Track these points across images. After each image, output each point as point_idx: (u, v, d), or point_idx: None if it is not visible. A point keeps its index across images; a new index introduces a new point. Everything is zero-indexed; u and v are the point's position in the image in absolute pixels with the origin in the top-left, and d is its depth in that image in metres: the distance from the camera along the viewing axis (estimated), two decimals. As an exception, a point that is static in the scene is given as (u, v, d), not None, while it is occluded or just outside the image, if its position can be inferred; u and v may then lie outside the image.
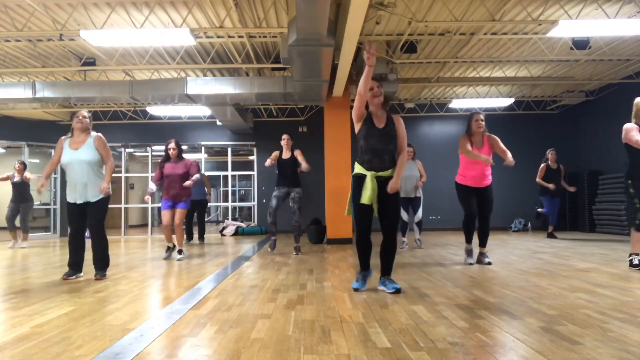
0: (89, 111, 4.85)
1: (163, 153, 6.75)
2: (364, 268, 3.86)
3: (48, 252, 7.75)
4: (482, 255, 5.32)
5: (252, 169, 12.79)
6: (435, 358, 2.09)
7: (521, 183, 11.46)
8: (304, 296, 3.57)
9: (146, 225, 13.47)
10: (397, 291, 3.65)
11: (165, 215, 6.38)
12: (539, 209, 9.39)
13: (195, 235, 9.56)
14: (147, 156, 12.90)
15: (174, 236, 6.45)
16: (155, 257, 6.63)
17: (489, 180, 5.33)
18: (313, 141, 10.57)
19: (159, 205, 15.32)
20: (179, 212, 6.36)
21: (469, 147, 5.22)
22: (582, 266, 4.94)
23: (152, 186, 6.62)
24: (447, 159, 9.92)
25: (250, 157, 13.85)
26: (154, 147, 12.78)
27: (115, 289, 4.01)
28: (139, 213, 16.67)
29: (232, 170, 12.90)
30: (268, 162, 6.72)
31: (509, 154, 5.20)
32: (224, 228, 11.77)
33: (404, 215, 7.29)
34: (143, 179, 15.41)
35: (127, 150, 12.69)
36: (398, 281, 4.17)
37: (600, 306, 3.04)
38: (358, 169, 3.76)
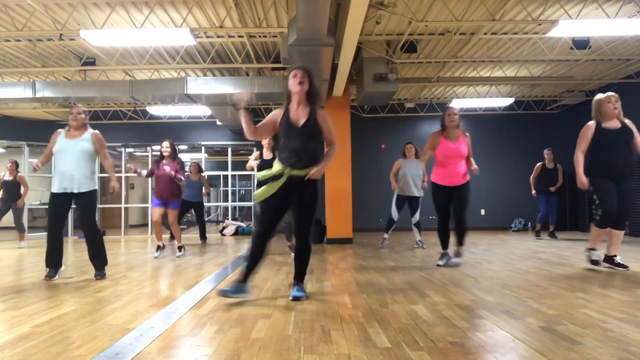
0: (85, 110, 4.81)
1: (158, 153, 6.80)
2: (248, 276, 3.44)
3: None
4: (457, 254, 5.17)
5: (252, 169, 12.78)
6: (436, 358, 2.09)
7: (521, 183, 11.43)
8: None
9: (146, 225, 13.46)
10: (296, 298, 3.39)
11: (156, 212, 6.46)
12: (537, 229, 9.29)
13: (196, 235, 9.55)
14: (147, 156, 12.90)
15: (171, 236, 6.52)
16: (156, 257, 6.63)
17: (465, 178, 5.10)
18: (313, 141, 10.54)
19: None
20: (171, 213, 6.46)
21: (427, 147, 5.18)
22: (582, 266, 4.94)
23: (143, 172, 6.61)
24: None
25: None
26: (154, 147, 12.76)
27: (115, 289, 4.01)
28: (139, 213, 16.66)
29: (232, 170, 12.90)
30: (252, 164, 6.55)
31: (473, 162, 5.15)
32: (224, 228, 11.77)
33: (393, 213, 7.27)
34: (143, 179, 15.37)
35: (127, 150, 12.68)
36: (398, 281, 4.17)
37: (600, 306, 3.04)
38: (275, 164, 3.53)
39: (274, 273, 4.81)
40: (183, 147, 13.15)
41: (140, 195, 16.43)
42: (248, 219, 14.14)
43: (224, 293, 3.36)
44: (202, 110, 11.17)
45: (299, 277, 3.58)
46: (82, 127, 4.75)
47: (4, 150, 15.22)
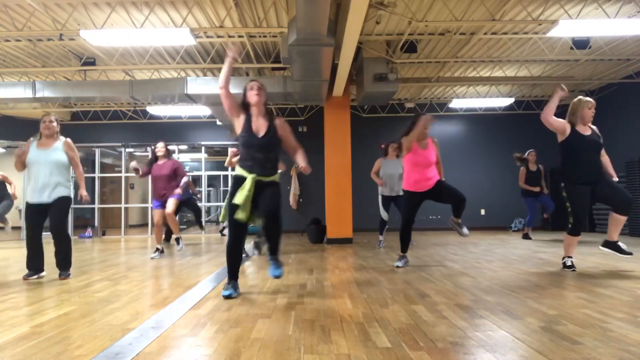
0: (57, 119, 4.77)
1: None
2: (233, 278, 3.68)
3: (47, 252, 7.73)
4: (458, 225, 5.17)
5: (233, 166, 12.78)
6: (436, 358, 2.09)
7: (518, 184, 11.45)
8: (304, 296, 3.57)
9: (146, 225, 13.47)
10: (277, 277, 3.62)
11: (157, 214, 6.47)
12: (545, 215, 9.35)
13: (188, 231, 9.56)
14: (147, 156, 12.89)
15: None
16: (155, 257, 6.63)
17: (434, 179, 5.09)
18: (313, 141, 10.56)
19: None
20: (170, 202, 6.41)
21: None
22: (583, 266, 4.94)
23: (143, 168, 6.57)
24: (447, 159, 9.91)
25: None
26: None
27: (115, 289, 4.01)
28: (139, 213, 16.67)
29: (232, 170, 12.89)
30: (235, 159, 6.35)
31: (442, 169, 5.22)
32: (224, 228, 11.74)
33: (382, 214, 7.24)
34: (143, 179, 15.39)
35: (127, 150, 12.68)
36: (398, 281, 4.17)
37: (600, 306, 3.04)
38: (239, 171, 3.64)
39: (274, 273, 4.80)
40: (183, 147, 13.15)
41: (140, 195, 16.43)
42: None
43: (228, 296, 3.55)
44: (202, 110, 11.17)
45: (275, 250, 3.69)
46: (54, 135, 4.70)
47: (4, 150, 15.21)
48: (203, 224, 9.45)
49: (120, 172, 12.53)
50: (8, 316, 3.03)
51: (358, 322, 2.75)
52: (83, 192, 4.69)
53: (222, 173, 13.25)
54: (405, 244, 5.24)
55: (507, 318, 2.77)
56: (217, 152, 14.97)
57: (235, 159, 6.43)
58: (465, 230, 5.16)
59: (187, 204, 9.03)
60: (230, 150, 6.55)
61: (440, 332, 2.50)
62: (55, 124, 4.70)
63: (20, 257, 7.03)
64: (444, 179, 5.16)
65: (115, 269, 5.30)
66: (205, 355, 2.19)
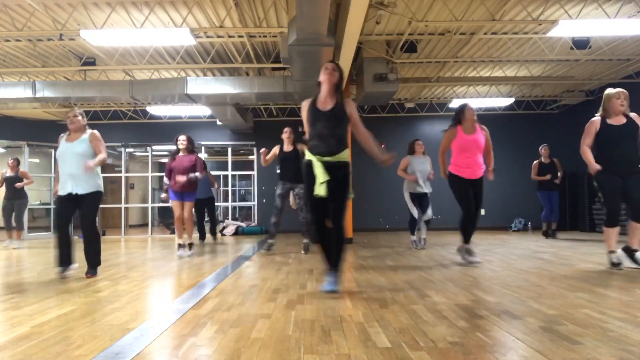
0: (81, 112, 4.81)
1: (167, 153, 6.82)
2: (333, 267, 3.62)
3: (48, 252, 7.74)
4: (469, 252, 5.19)
5: (252, 169, 12.79)
6: (436, 358, 2.09)
7: (521, 183, 11.46)
8: (304, 296, 3.57)
9: (146, 225, 13.47)
10: (331, 291, 3.50)
11: (177, 206, 6.48)
12: (544, 229, 9.30)
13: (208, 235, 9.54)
14: (147, 156, 12.90)
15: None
16: (156, 257, 6.63)
17: (482, 169, 5.19)
18: (313, 141, 10.54)
19: (159, 205, 15.28)
20: (187, 206, 6.48)
21: (444, 144, 5.32)
22: (582, 266, 4.94)
23: (166, 180, 6.67)
24: (447, 159, 9.93)
25: (250, 157, 13.85)
26: (154, 147, 12.77)
27: (115, 288, 4.01)
28: (139, 213, 16.67)
29: (232, 170, 12.90)
30: (268, 157, 6.53)
31: (492, 162, 5.31)
32: (224, 228, 11.76)
33: (413, 211, 7.12)
34: (143, 179, 15.42)
35: (127, 150, 12.68)
36: (398, 281, 4.17)
37: (600, 306, 3.04)
38: (308, 155, 3.63)
39: (274, 273, 4.81)
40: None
41: (140, 195, 16.44)
42: (248, 219, 14.14)
43: (332, 290, 3.52)
44: (202, 110, 11.17)
45: (334, 265, 3.58)
46: (81, 129, 4.77)
47: (4, 150, 15.21)
48: (217, 232, 9.42)
49: (120, 172, 12.53)
50: (8, 316, 3.03)
51: (358, 322, 2.75)
52: (89, 162, 4.55)
53: (222, 173, 13.23)
54: (469, 233, 5.17)
55: (507, 318, 2.77)
56: (217, 152, 14.97)
57: (269, 156, 6.51)
58: (474, 258, 5.18)
59: (207, 204, 9.03)
60: (261, 150, 6.60)
61: (440, 332, 2.50)
62: (79, 117, 4.76)
63: (20, 257, 7.04)
64: (493, 168, 5.22)
65: (116, 269, 5.30)
66: (205, 355, 2.19)
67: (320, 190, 3.46)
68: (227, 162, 12.76)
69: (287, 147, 6.59)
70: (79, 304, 3.38)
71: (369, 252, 6.77)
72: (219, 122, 11.77)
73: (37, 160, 13.92)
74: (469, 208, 5.12)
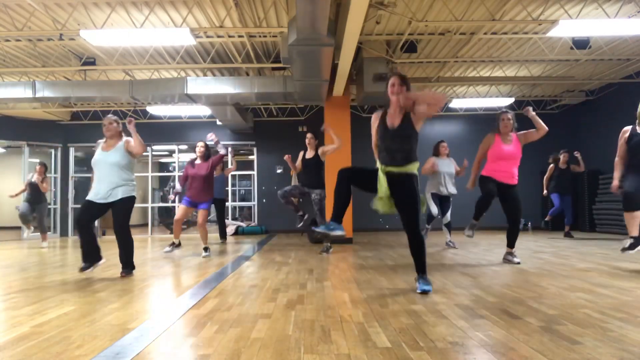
0: (116, 119, 4.84)
1: (167, 153, 6.87)
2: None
3: (49, 252, 7.75)
4: (510, 254, 5.28)
5: (252, 169, 12.78)
6: (436, 358, 2.09)
7: (521, 183, 11.41)
8: (304, 296, 3.57)
9: (146, 225, 13.47)
10: (424, 292, 3.56)
11: (180, 210, 6.57)
12: (547, 219, 9.42)
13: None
14: (147, 156, 12.90)
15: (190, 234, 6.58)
16: (156, 257, 6.64)
17: (515, 179, 5.25)
18: (313, 141, 10.55)
19: (160, 204, 15.23)
20: (201, 214, 6.54)
21: (481, 150, 5.33)
22: (582, 266, 4.94)
23: (178, 187, 6.76)
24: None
25: (250, 157, 13.84)
26: (154, 147, 12.76)
27: (115, 288, 4.01)
28: (139, 213, 16.66)
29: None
30: (297, 164, 6.74)
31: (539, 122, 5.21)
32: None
33: (433, 208, 7.15)
34: (143, 179, 15.38)
35: (127, 150, 12.65)
36: (398, 281, 4.17)
37: (600, 306, 3.04)
38: (377, 164, 3.83)
39: (274, 273, 4.81)
40: (183, 147, 13.14)
41: (140, 195, 16.42)
42: (248, 219, 14.14)
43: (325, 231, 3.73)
44: (202, 110, 11.17)
45: (421, 269, 3.70)
46: (117, 135, 4.78)
47: (4, 150, 15.22)
48: (227, 234, 9.41)
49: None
50: (8, 316, 3.03)
51: (358, 322, 2.75)
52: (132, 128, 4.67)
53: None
54: (481, 211, 5.27)
55: (507, 318, 2.77)
56: (217, 152, 14.96)
57: (297, 163, 6.78)
58: (515, 259, 5.23)
59: (217, 204, 9.01)
60: (285, 157, 6.76)
61: (440, 332, 2.50)
62: (115, 125, 4.76)
63: (20, 257, 7.04)
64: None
65: (116, 269, 5.30)
66: (205, 355, 2.19)
67: (377, 204, 3.70)
68: (227, 162, 12.72)
69: (309, 154, 6.68)
70: (79, 304, 3.38)
71: (369, 252, 6.77)
72: (219, 122, 11.76)
73: (37, 161, 13.89)
74: (489, 194, 5.17)
